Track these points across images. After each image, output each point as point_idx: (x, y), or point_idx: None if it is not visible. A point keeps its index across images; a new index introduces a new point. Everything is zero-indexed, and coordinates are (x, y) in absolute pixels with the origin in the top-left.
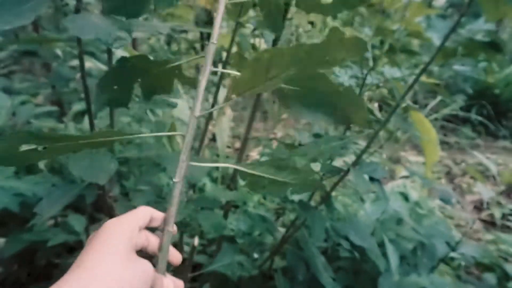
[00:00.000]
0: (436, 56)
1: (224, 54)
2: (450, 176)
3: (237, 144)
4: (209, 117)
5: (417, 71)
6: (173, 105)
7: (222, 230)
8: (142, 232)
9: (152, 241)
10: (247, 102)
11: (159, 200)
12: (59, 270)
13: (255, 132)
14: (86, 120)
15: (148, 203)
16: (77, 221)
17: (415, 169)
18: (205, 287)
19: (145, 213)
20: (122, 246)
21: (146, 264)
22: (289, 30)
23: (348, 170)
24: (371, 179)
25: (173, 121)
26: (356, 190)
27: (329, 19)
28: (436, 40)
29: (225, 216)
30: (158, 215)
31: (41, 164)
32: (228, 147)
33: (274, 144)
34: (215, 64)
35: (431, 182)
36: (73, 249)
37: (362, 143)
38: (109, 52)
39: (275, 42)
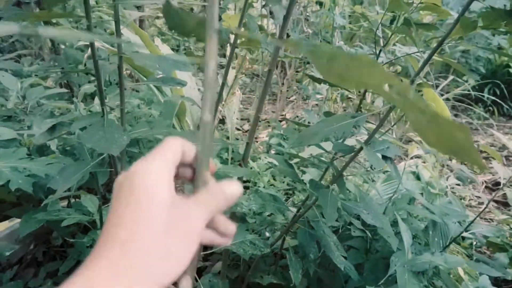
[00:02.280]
0: (454, 28)
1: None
2: None
3: (246, 126)
4: (218, 98)
5: (427, 49)
6: (183, 83)
7: (234, 208)
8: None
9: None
10: (255, 84)
11: None
12: (74, 249)
13: (264, 114)
14: (95, 101)
15: None
16: (90, 202)
17: (426, 148)
18: (217, 266)
19: (176, 146)
20: (164, 197)
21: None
22: (298, 11)
23: (361, 149)
24: (383, 157)
25: (183, 100)
26: (367, 170)
27: None
28: (454, 13)
29: None
30: (189, 147)
31: (53, 146)
32: (237, 129)
33: (283, 125)
34: (223, 46)
35: (446, 160)
36: (87, 229)
37: (373, 123)
38: (118, 30)
39: (285, 20)
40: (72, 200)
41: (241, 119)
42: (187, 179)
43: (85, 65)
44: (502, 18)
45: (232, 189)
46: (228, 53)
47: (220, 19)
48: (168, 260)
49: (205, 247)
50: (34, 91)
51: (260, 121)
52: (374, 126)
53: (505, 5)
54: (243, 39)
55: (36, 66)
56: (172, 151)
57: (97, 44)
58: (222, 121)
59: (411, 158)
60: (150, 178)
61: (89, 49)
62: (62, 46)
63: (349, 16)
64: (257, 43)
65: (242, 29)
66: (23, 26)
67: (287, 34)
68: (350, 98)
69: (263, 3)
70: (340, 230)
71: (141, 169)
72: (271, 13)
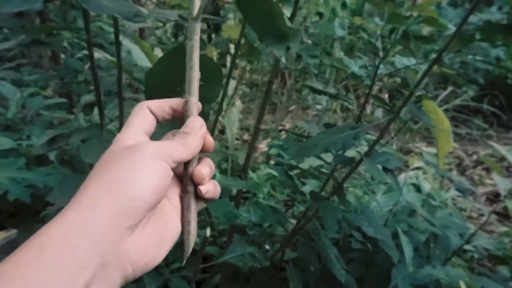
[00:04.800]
0: (452, 41)
1: (232, 46)
2: (461, 167)
3: (246, 136)
4: (219, 109)
5: (426, 62)
6: None
7: (234, 219)
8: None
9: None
10: (255, 94)
11: None
12: None
13: (263, 124)
14: (95, 111)
15: None
16: None
17: (427, 160)
18: (216, 278)
19: (144, 113)
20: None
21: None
22: (298, 22)
23: (361, 160)
24: (384, 169)
25: None
26: (367, 182)
27: (338, 9)
28: (451, 26)
29: (236, 207)
30: (177, 104)
31: (52, 156)
32: (237, 139)
33: (283, 135)
34: (222, 55)
35: (446, 172)
36: None
37: (373, 134)
38: (118, 42)
39: None
40: None
41: (241, 129)
42: None
43: (85, 79)
44: (499, 32)
45: (193, 125)
46: (228, 63)
47: (220, 29)
48: (125, 184)
49: (204, 259)
50: (33, 100)
51: (259, 131)
52: (373, 137)
53: (501, 19)
54: (244, 50)
55: (36, 75)
56: (141, 118)
57: (97, 55)
58: (222, 131)
59: (412, 169)
60: (119, 144)
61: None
62: (62, 56)
63: (349, 27)
64: (257, 54)
65: (243, 40)
66: None
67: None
68: (349, 109)
69: None
70: (340, 242)
71: (118, 139)
72: None
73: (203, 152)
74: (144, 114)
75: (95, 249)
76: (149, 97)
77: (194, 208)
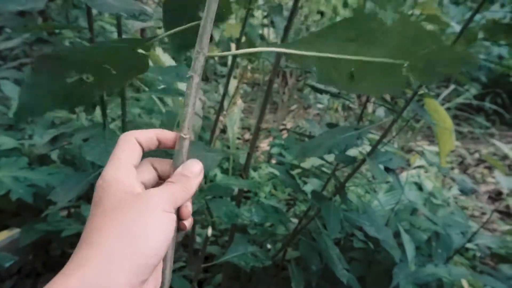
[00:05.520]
0: (457, 40)
1: (233, 45)
2: (463, 166)
3: (247, 136)
4: (220, 108)
5: None
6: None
7: (235, 219)
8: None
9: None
10: (256, 93)
11: None
12: None
13: (265, 123)
14: (97, 110)
15: None
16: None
17: (429, 158)
18: (217, 277)
19: (132, 145)
20: (126, 190)
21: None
22: (299, 20)
23: (364, 161)
24: (386, 169)
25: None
26: (369, 181)
27: (340, 8)
28: (454, 24)
29: (237, 206)
30: (164, 136)
31: (54, 155)
32: (238, 138)
33: (284, 135)
34: None
35: (449, 171)
36: None
37: (375, 133)
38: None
39: (286, 30)
40: (72, 210)
41: (242, 128)
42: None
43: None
44: (502, 31)
45: (193, 169)
46: (229, 62)
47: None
48: (139, 240)
49: (205, 258)
50: None
51: (260, 131)
52: (375, 136)
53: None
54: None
55: None
56: (129, 150)
57: None
58: (223, 130)
59: (413, 168)
60: (117, 186)
61: None
62: None
63: None
64: (258, 53)
65: (244, 38)
66: None
67: None
68: (351, 108)
69: (265, 13)
70: (342, 241)
71: (109, 177)
72: (272, 22)
73: None
74: (131, 146)
75: None
76: (168, 19)
77: (174, 246)
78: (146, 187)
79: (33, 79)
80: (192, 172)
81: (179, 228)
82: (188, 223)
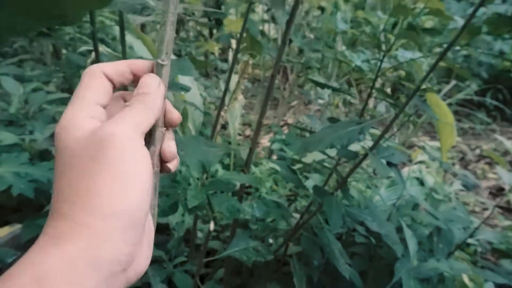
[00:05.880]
0: (461, 34)
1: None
2: (464, 162)
3: (248, 132)
4: (222, 103)
5: (431, 55)
6: (187, 89)
7: (237, 213)
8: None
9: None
10: (257, 89)
11: (173, 185)
12: None
13: (265, 119)
14: None
15: (162, 187)
16: None
17: (431, 154)
18: (219, 272)
19: (102, 78)
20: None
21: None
22: (300, 16)
23: (366, 155)
24: (388, 164)
25: (185, 105)
26: (370, 176)
27: (341, 3)
28: (458, 18)
29: (239, 201)
30: (139, 67)
31: (55, 151)
32: (239, 134)
33: (285, 131)
34: (224, 50)
35: (451, 166)
36: None
37: (377, 128)
38: (123, 36)
39: (288, 25)
40: None
41: (242, 124)
42: None
43: None
44: (506, 25)
45: (150, 83)
46: (230, 58)
47: (221, 23)
48: (111, 197)
49: (207, 253)
50: (36, 96)
51: (262, 126)
52: (377, 131)
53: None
54: (246, 44)
55: (38, 71)
56: (96, 88)
57: (100, 49)
58: (224, 126)
59: (415, 163)
60: (78, 133)
61: (91, 54)
62: (64, 51)
63: (351, 21)
64: (260, 47)
65: (245, 34)
66: None
67: (290, 39)
68: (352, 103)
69: (265, 8)
70: (343, 236)
71: (71, 121)
72: (273, 18)
73: (169, 126)
74: (98, 82)
75: (105, 281)
76: None
77: (157, 188)
78: None
79: None
80: (149, 86)
81: (163, 170)
82: (172, 165)
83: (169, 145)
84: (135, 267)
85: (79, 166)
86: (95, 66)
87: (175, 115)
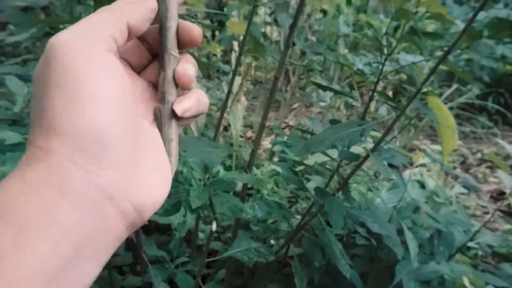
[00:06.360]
0: (461, 38)
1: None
2: (465, 165)
3: (249, 133)
4: (224, 105)
5: (432, 58)
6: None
7: (239, 213)
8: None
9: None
10: (258, 91)
11: (176, 185)
12: None
13: (267, 121)
14: None
15: None
16: None
17: (432, 157)
18: (220, 273)
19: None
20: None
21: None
22: (302, 19)
23: (367, 157)
24: (389, 165)
25: None
26: (371, 179)
27: (343, 6)
28: (459, 23)
29: (241, 201)
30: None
31: None
32: (241, 136)
33: (286, 133)
34: (226, 53)
35: (452, 169)
36: None
37: (378, 131)
38: None
39: (291, 28)
40: None
41: (244, 126)
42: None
43: None
44: (507, 29)
45: None
46: (232, 59)
47: (224, 25)
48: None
49: (208, 254)
50: None
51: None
52: (378, 134)
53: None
54: (249, 47)
55: None
56: (114, 24)
57: None
58: (225, 128)
59: (416, 166)
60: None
61: None
62: None
63: (353, 24)
64: (263, 50)
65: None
66: None
67: (293, 42)
68: (353, 106)
69: (268, 11)
70: (344, 238)
71: (68, 40)
72: (275, 20)
73: (186, 47)
74: (119, 25)
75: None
76: None
77: (175, 122)
78: (135, 69)
79: None
80: None
81: (178, 118)
82: (189, 101)
83: (184, 68)
84: (130, 197)
85: (37, 91)
86: (119, 12)
87: (195, 32)
